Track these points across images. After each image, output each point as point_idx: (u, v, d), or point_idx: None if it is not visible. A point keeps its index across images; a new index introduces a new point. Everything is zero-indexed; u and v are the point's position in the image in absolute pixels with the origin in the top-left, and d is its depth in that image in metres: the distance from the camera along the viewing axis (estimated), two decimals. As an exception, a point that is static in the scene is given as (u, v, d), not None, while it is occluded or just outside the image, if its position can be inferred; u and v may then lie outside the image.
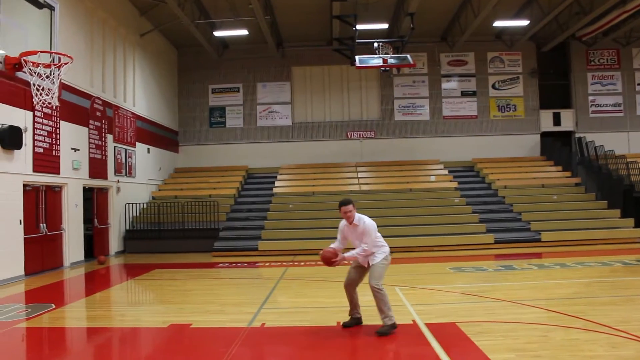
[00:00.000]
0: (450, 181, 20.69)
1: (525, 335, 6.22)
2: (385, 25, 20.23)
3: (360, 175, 21.52)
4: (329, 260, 6.62)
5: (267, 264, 14.23)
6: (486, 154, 22.82)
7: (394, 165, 22.20)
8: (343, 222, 6.86)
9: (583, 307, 7.70)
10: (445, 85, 23.31)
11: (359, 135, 23.00)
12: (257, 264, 14.44)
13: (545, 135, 23.33)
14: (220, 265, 14.38)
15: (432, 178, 21.10)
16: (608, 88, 23.60)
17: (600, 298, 8.56)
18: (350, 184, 20.71)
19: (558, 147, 22.32)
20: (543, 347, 5.73)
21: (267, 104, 23.27)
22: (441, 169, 21.89)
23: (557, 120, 23.46)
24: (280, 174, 21.93)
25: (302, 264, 14.08)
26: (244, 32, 19.76)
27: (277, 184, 21.01)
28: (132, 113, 18.63)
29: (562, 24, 20.62)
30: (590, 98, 23.58)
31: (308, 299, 9.24)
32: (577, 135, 23.15)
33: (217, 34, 20.41)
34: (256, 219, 18.37)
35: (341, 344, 6.41)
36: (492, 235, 16.52)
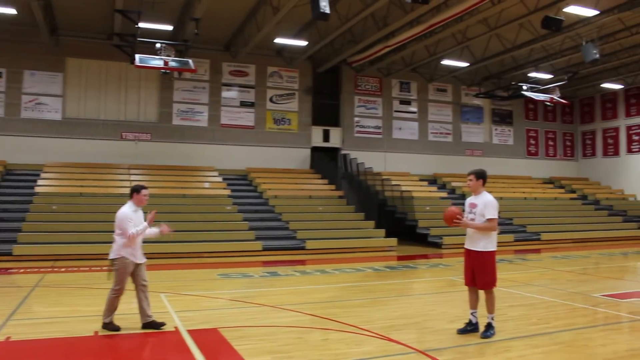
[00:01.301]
0: (224, 189, 20.98)
1: (282, 338, 6.59)
2: (169, 27, 19.86)
3: (133, 177, 20.68)
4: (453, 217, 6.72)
5: (23, 270, 12.92)
6: (260, 164, 23.59)
7: (169, 170, 21.79)
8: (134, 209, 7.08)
9: (337, 309, 8.41)
10: (225, 94, 23.60)
11: (134, 136, 22.12)
12: (10, 270, 13.04)
13: (315, 149, 24.90)
14: (-38, 270, 12.74)
15: (207, 185, 21.20)
16: (371, 112, 26.12)
17: (352, 301, 9.42)
18: (122, 187, 19.77)
19: (325, 162, 24.00)
20: (297, 349, 6.15)
21: (34, 94, 21.05)
22: (216, 176, 22.08)
23: (326, 137, 25.22)
24: (45, 172, 20.03)
25: (63, 270, 13.08)
26: (11, 10, 17.70)
27: (40, 182, 19.14)
28: None
29: (337, 49, 22.33)
30: (356, 119, 25.84)
31: (66, 308, 8.63)
32: (342, 152, 25.17)
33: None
34: (13, 220, 16.51)
35: (97, 353, 6.14)
36: (260, 242, 17.11)
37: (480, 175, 6.91)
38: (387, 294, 10.34)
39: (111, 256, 6.84)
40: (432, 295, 10.35)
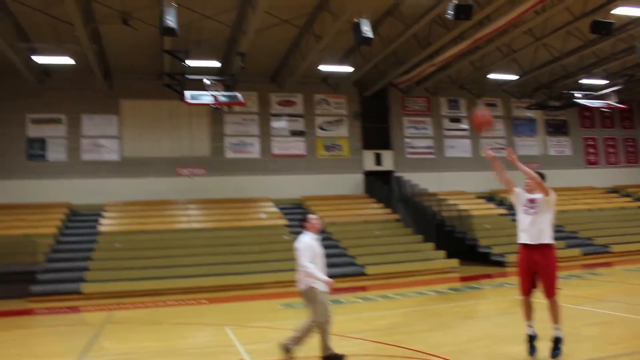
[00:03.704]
0: (280, 218, 21.08)
1: (350, 367, 6.49)
2: (216, 63, 20.34)
3: (190, 212, 21.11)
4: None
5: (92, 308, 13.29)
6: (314, 192, 23.61)
7: (225, 203, 22.10)
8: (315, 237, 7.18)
9: (402, 335, 8.24)
10: (274, 124, 23.90)
11: (189, 172, 22.60)
12: (80, 309, 13.42)
13: (368, 174, 24.80)
14: (38, 311, 13.16)
15: (264, 215, 21.32)
16: (421, 132, 25.90)
17: (416, 326, 9.21)
18: (180, 222, 20.22)
19: (379, 186, 23.85)
20: (367, 377, 6.03)
21: (93, 137, 21.90)
22: (271, 207, 22.23)
23: (378, 161, 25.11)
24: (107, 212, 20.69)
25: (130, 306, 13.37)
26: (70, 61, 18.44)
27: (103, 222, 19.77)
28: None
29: (382, 71, 22.34)
30: (407, 140, 25.66)
31: (134, 344, 8.77)
32: (395, 175, 24.98)
33: (37, 60, 18.69)
34: (80, 260, 17.01)
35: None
36: (320, 270, 17.01)
37: (542, 176, 6.65)
38: (453, 317, 10.08)
39: (301, 287, 6.75)
40: (499, 316, 10.02)
